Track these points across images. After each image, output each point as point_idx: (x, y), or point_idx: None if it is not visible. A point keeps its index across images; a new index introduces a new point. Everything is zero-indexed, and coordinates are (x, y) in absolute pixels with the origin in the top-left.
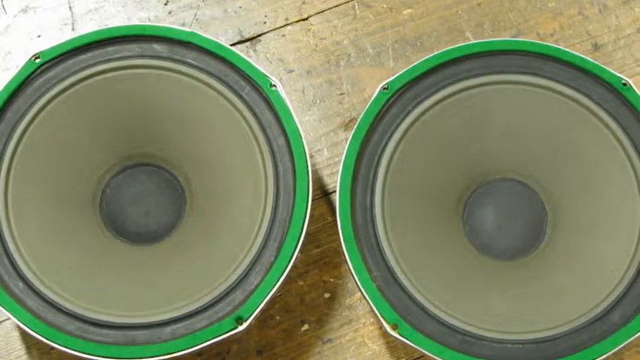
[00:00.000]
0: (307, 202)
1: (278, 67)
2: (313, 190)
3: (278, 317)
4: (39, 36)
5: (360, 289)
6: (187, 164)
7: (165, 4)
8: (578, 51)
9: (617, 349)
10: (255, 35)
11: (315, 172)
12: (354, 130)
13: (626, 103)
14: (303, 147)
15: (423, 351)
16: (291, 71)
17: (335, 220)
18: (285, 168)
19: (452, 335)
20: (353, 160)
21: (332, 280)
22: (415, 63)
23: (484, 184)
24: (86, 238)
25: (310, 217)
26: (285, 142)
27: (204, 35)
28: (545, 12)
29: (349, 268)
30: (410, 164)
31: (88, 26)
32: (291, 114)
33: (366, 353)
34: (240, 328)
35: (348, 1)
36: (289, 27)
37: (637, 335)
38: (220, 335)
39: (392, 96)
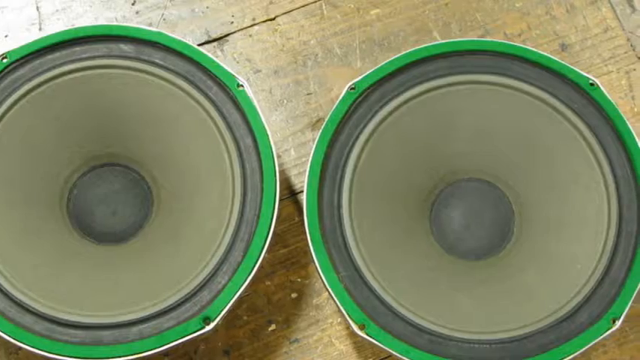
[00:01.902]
0: (274, 202)
1: (245, 67)
2: (280, 190)
3: (245, 317)
4: (6, 36)
5: (327, 289)
6: (154, 164)
7: (133, 4)
8: (546, 51)
9: (584, 349)
10: (222, 35)
11: (282, 172)
12: (321, 130)
13: (594, 103)
14: (271, 147)
15: (390, 351)
16: (258, 71)
17: (302, 220)
18: (252, 168)
19: (419, 335)
20: (320, 160)
21: (299, 280)
22: (382, 63)
23: (451, 184)
24: (53, 238)
25: (277, 217)
26: (252, 142)
27: (172, 35)
28: (512, 12)
29: (316, 268)
30: (377, 164)
31: (56, 26)
32: (258, 114)
33: (333, 353)
34: (208, 328)
35: (315, 1)
36: (256, 27)
37: (604, 335)
38: (187, 335)
39: (359, 96)
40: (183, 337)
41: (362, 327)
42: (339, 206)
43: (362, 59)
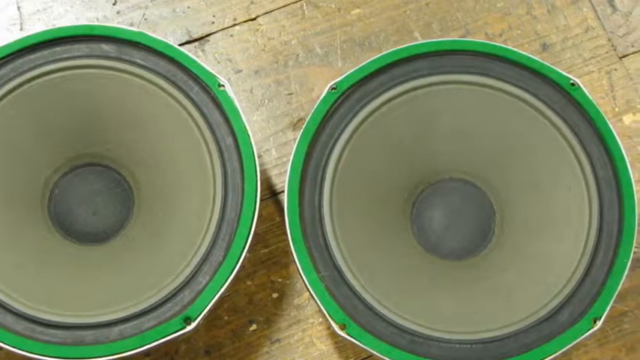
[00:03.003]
0: (255, 202)
1: (226, 67)
2: (262, 190)
3: (226, 317)
4: None
5: (308, 289)
6: (135, 164)
7: (114, 4)
8: (527, 51)
9: (565, 349)
10: (203, 35)
11: (263, 172)
12: (302, 130)
13: (574, 103)
14: (252, 147)
15: (371, 351)
16: (239, 71)
17: (283, 220)
18: (233, 168)
19: (400, 335)
20: (301, 160)
21: (280, 280)
22: (363, 63)
23: (432, 184)
24: (35, 238)
25: (258, 217)
26: (233, 142)
27: (153, 35)
28: (493, 12)
29: (297, 268)
30: (358, 164)
31: (37, 26)
32: (239, 114)
33: (314, 353)
34: (189, 328)
35: (296, 1)
36: (237, 27)
37: (585, 335)
38: (168, 335)
39: (340, 96)
40: (165, 337)
41: (343, 327)
42: (320, 206)
43: (343, 59)
